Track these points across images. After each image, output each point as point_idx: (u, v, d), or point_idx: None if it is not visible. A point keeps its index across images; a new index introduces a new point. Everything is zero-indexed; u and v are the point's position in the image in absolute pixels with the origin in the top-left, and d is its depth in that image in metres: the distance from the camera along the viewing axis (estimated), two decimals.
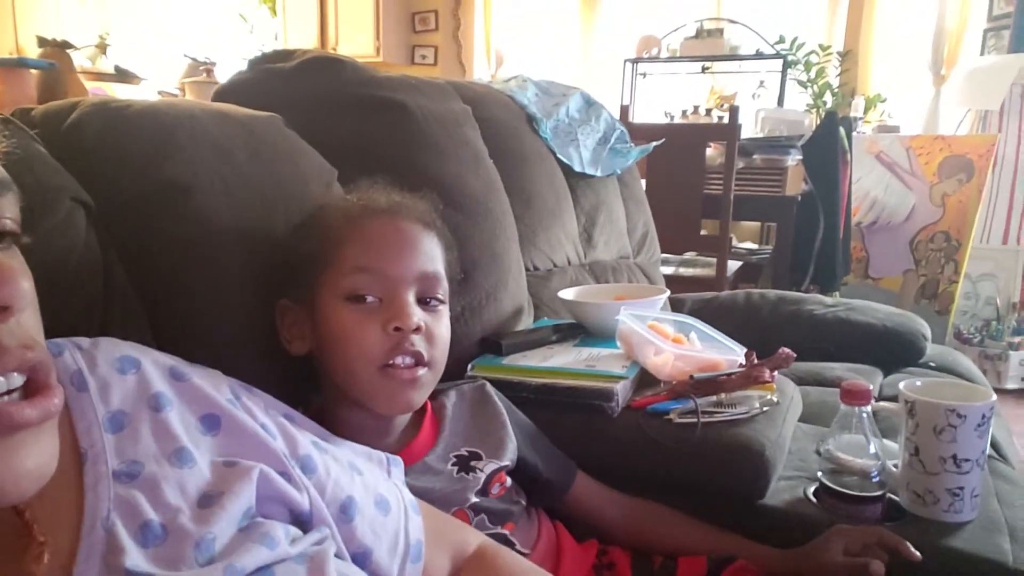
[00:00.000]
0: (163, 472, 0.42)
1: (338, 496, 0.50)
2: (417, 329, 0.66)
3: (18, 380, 0.34)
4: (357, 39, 4.73)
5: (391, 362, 0.65)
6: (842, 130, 2.55)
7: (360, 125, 1.00)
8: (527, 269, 1.24)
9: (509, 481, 0.76)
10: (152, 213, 0.67)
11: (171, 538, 0.39)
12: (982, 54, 3.28)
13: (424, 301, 0.69)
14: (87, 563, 0.37)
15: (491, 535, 0.66)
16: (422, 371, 0.67)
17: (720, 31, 3.72)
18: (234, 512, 0.42)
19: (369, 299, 0.66)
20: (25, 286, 0.34)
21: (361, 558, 0.50)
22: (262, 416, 0.50)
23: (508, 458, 0.75)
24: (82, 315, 0.60)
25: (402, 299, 0.66)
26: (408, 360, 0.66)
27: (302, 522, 0.47)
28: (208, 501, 0.42)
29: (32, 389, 0.35)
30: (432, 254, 0.70)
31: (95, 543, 0.38)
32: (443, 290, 0.71)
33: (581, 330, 1.11)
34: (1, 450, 0.33)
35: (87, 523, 0.38)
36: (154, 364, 0.48)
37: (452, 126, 1.11)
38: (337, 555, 0.47)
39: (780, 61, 3.60)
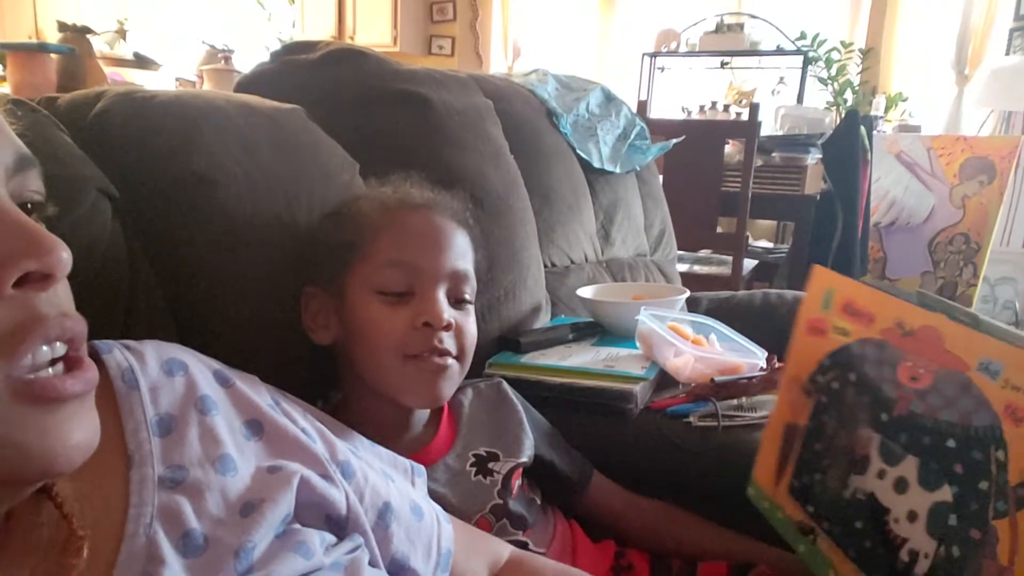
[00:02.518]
0: (207, 479, 0.41)
1: (376, 502, 0.50)
2: (448, 326, 0.66)
3: (60, 349, 0.34)
4: (374, 28, 4.73)
5: (417, 354, 0.65)
6: (863, 129, 2.52)
7: (383, 118, 0.99)
8: (545, 265, 1.24)
9: (520, 480, 0.76)
10: (177, 205, 0.67)
11: (211, 549, 0.39)
12: (1007, 54, 3.23)
13: (454, 299, 0.69)
14: (126, 570, 0.37)
15: (512, 542, 0.66)
16: (451, 360, 0.67)
17: (740, 26, 3.68)
18: (273, 520, 0.42)
19: (400, 292, 0.66)
20: (64, 256, 0.33)
21: (397, 565, 0.50)
22: (302, 421, 0.50)
23: (525, 455, 0.75)
24: (107, 306, 0.60)
25: (433, 295, 0.66)
26: (435, 356, 0.65)
27: (337, 527, 0.47)
28: (249, 509, 0.41)
29: (69, 363, 0.35)
30: (464, 252, 0.70)
31: (136, 550, 0.38)
32: (471, 289, 0.71)
33: (599, 329, 1.10)
34: (52, 424, 0.33)
35: (130, 528, 0.38)
36: (200, 367, 0.48)
37: (474, 121, 1.10)
38: (372, 563, 0.47)
39: (800, 57, 3.57)
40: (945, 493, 0.48)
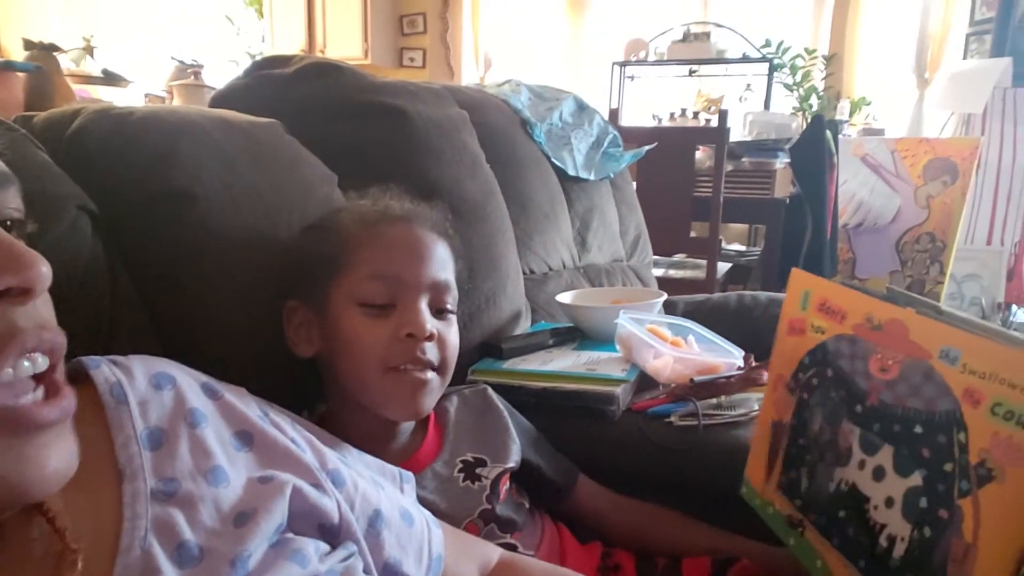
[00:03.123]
0: (199, 491, 0.42)
1: (366, 510, 0.50)
2: (430, 337, 0.66)
3: (42, 364, 0.35)
4: (345, 41, 4.72)
5: (398, 366, 0.65)
6: (829, 133, 2.58)
7: (359, 131, 1.00)
8: (523, 273, 1.25)
9: (508, 485, 0.76)
10: (157, 221, 0.67)
11: (207, 559, 0.39)
12: (964, 58, 3.33)
13: (436, 309, 0.69)
14: None
15: (501, 545, 0.66)
16: (431, 374, 0.67)
17: (707, 35, 3.75)
18: (267, 529, 0.42)
19: (383, 304, 0.66)
20: (44, 270, 0.34)
21: (390, 571, 0.50)
22: (291, 431, 0.50)
23: (512, 460, 0.75)
24: (89, 323, 0.60)
25: (416, 306, 0.67)
26: (417, 367, 0.66)
27: (330, 536, 0.47)
28: (243, 519, 0.42)
29: (47, 392, 0.35)
30: (445, 262, 0.71)
31: (132, 563, 0.38)
32: (453, 299, 0.72)
33: (579, 334, 1.12)
34: (29, 451, 0.33)
35: (124, 541, 0.38)
36: (188, 380, 0.48)
37: (450, 131, 1.11)
38: (365, 570, 0.47)
39: (766, 64, 3.64)
40: (916, 478, 0.50)
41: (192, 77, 3.20)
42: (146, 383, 0.45)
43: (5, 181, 0.38)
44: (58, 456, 0.35)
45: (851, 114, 3.67)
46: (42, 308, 0.36)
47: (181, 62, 3.40)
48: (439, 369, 0.68)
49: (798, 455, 0.65)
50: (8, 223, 0.37)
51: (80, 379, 0.43)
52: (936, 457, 0.49)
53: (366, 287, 0.66)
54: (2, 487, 0.33)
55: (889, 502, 0.52)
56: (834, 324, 0.61)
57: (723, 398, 0.90)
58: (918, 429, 0.50)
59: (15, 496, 0.33)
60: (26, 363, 0.34)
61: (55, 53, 2.37)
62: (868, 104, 3.71)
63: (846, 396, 0.58)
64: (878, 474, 0.54)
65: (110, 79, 2.89)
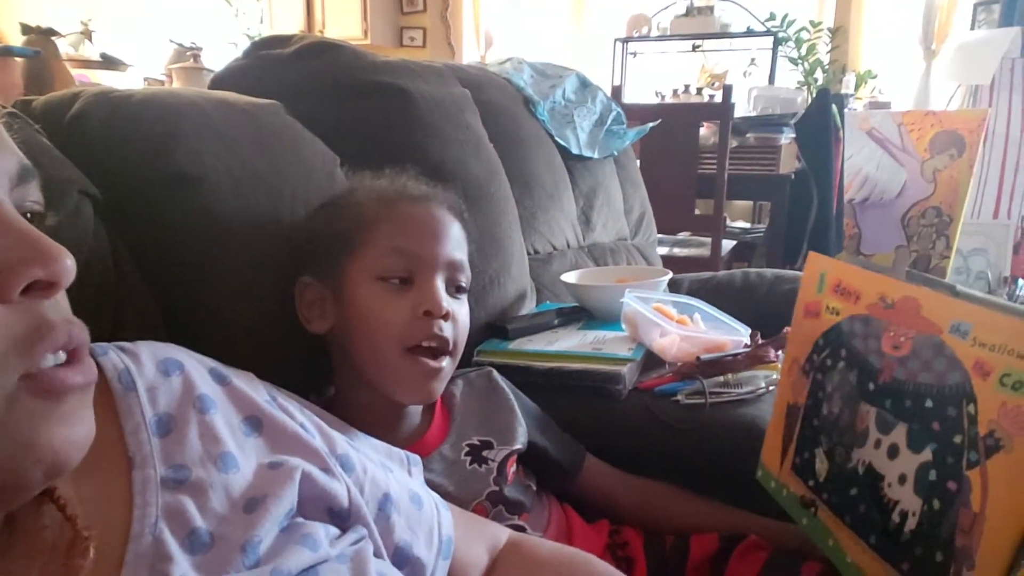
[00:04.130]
0: (209, 477, 0.42)
1: (376, 494, 0.50)
2: (446, 315, 0.67)
3: (62, 357, 0.35)
4: (344, 21, 4.67)
5: (417, 344, 0.66)
6: (834, 107, 2.55)
7: (361, 111, 0.99)
8: (528, 253, 1.24)
9: (515, 467, 0.76)
10: (160, 204, 0.67)
11: (218, 545, 0.40)
12: (972, 28, 3.28)
13: (450, 288, 0.70)
14: (134, 570, 0.37)
15: (510, 527, 0.67)
16: (445, 361, 0.68)
17: (710, 8, 3.70)
18: (277, 515, 0.42)
19: (400, 281, 0.67)
20: (69, 264, 0.34)
21: (401, 554, 0.50)
22: (299, 416, 0.50)
23: (519, 442, 0.76)
24: (94, 308, 0.60)
25: (433, 283, 0.67)
26: (433, 344, 0.66)
27: (340, 520, 0.47)
28: (253, 505, 0.42)
29: (69, 358, 0.35)
30: (460, 242, 0.72)
31: (143, 550, 0.38)
32: (467, 279, 0.72)
33: (584, 313, 1.11)
34: (54, 419, 0.33)
35: (135, 529, 0.38)
36: (196, 366, 0.48)
37: (453, 111, 1.10)
38: (375, 554, 0.47)
39: (771, 38, 3.59)
40: (927, 453, 0.51)
41: (191, 60, 3.19)
42: (154, 369, 0.45)
43: (28, 175, 0.38)
44: (82, 424, 0.35)
45: (857, 87, 3.62)
46: (62, 302, 0.36)
47: (180, 45, 3.38)
48: (451, 352, 0.68)
49: (812, 436, 0.65)
50: (28, 216, 0.37)
51: None
52: (946, 430, 0.49)
53: (385, 261, 0.67)
54: (26, 456, 0.32)
55: (902, 479, 0.52)
56: (848, 305, 0.61)
57: (730, 376, 0.89)
58: (928, 403, 0.50)
59: (39, 464, 0.33)
60: (50, 356, 0.34)
61: (53, 38, 2.35)
62: (874, 77, 3.66)
63: (859, 375, 0.58)
64: (892, 452, 0.54)
65: (109, 63, 2.88)
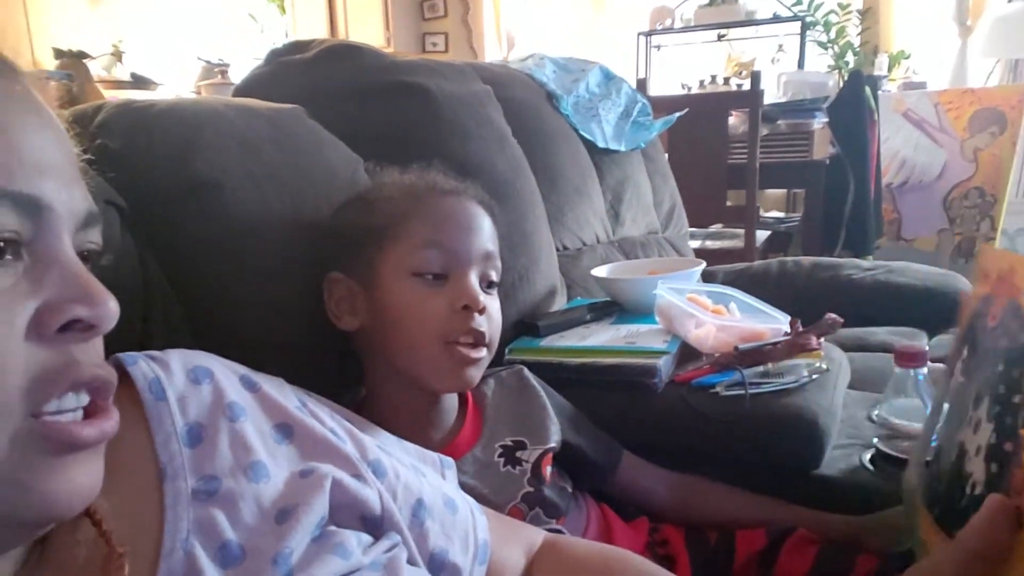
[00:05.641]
0: (240, 488, 0.41)
1: (408, 499, 0.49)
2: (482, 309, 0.66)
3: (84, 399, 0.35)
4: (367, 31, 4.71)
5: (455, 340, 0.65)
6: (868, 89, 2.48)
7: (382, 111, 0.99)
8: (556, 249, 1.23)
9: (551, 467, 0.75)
10: (184, 212, 0.67)
11: (249, 558, 0.39)
12: (1009, 0, 3.17)
13: (482, 283, 0.69)
14: None
15: (547, 531, 0.65)
16: (483, 352, 0.67)
17: None
18: (308, 524, 0.41)
19: (435, 276, 0.66)
20: (113, 307, 0.34)
21: (437, 561, 0.49)
22: (330, 422, 0.49)
23: (552, 440, 0.74)
24: (123, 318, 0.59)
25: (469, 278, 0.67)
26: (470, 339, 0.66)
27: (373, 527, 0.46)
28: (284, 516, 0.41)
29: (91, 410, 0.35)
30: (492, 236, 0.71)
31: (175, 566, 0.37)
32: (498, 272, 0.72)
33: (616, 307, 1.09)
34: (59, 468, 0.33)
35: (167, 544, 0.38)
36: (226, 373, 0.47)
37: (475, 107, 1.09)
38: (410, 561, 0.46)
39: (798, 23, 3.51)
40: (995, 418, 0.48)
41: (219, 76, 3.24)
42: (184, 378, 0.45)
43: (93, 221, 0.39)
44: (87, 475, 0.34)
45: (890, 69, 3.52)
46: (98, 348, 0.37)
47: (208, 62, 3.44)
48: (488, 345, 0.68)
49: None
50: (85, 253, 0.38)
51: (118, 376, 0.43)
52: (1008, 391, 0.47)
53: (420, 256, 0.66)
54: (27, 501, 0.32)
55: (978, 451, 0.50)
56: (983, 289, 0.57)
57: (770, 365, 0.86)
58: (1000, 367, 0.48)
59: (39, 513, 0.33)
60: (71, 395, 0.34)
61: (85, 60, 2.41)
62: (907, 57, 3.56)
63: (970, 355, 0.55)
64: (977, 426, 0.52)
65: (139, 83, 2.94)
